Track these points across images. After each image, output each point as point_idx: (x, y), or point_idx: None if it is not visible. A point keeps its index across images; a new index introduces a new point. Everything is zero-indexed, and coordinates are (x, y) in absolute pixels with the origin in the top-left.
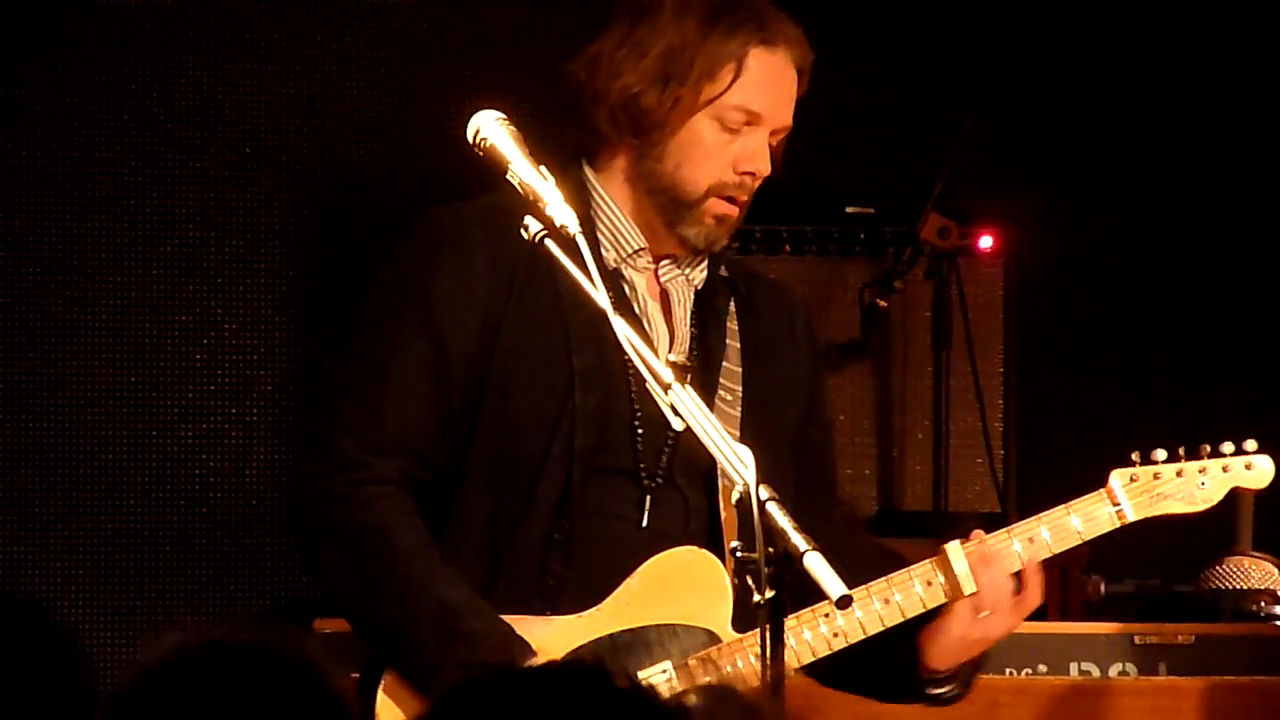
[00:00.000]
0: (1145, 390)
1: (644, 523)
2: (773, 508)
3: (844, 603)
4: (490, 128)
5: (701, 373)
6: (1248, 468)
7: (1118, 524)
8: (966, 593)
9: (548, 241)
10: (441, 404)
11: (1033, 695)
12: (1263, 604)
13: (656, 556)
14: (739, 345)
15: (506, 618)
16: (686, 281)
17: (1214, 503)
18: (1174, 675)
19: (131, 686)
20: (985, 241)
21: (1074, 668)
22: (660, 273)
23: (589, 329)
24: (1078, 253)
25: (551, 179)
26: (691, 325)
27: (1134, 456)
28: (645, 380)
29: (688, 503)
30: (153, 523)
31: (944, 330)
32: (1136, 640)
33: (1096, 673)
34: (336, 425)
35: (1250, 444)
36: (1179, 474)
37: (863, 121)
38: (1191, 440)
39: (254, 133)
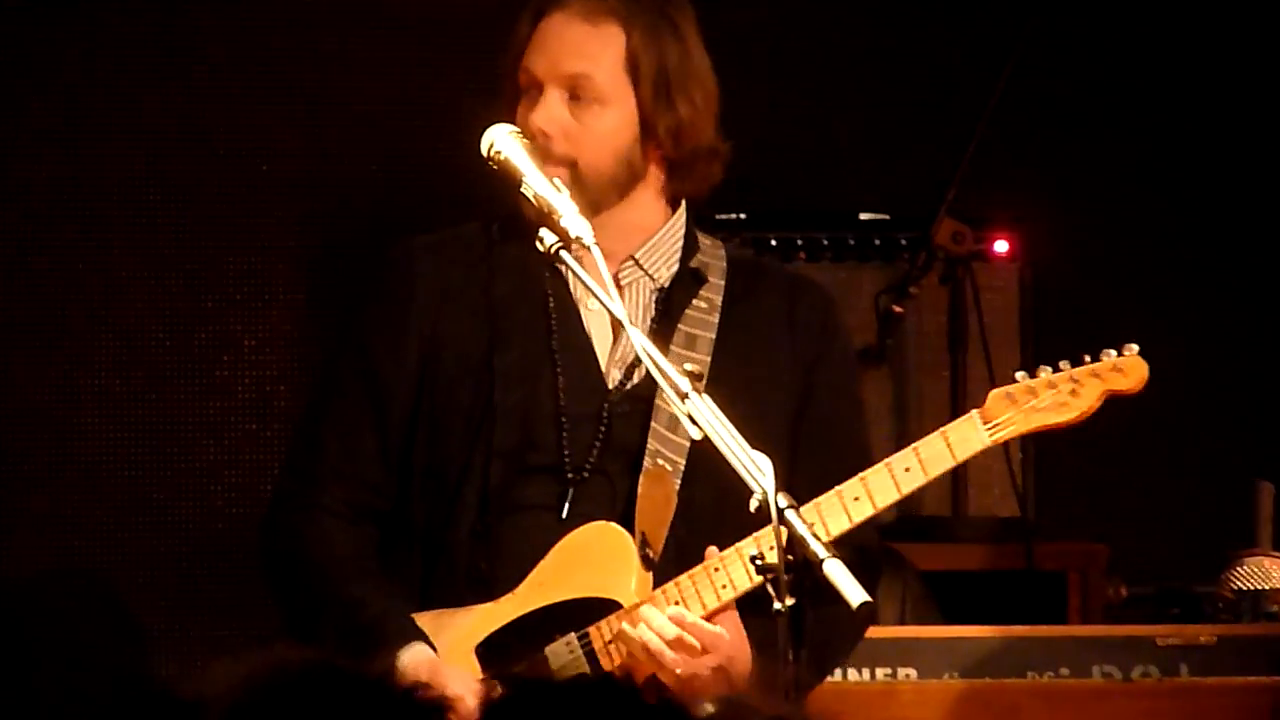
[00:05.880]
0: (1162, 390)
1: (563, 514)
2: (791, 515)
3: (865, 609)
4: (504, 141)
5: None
6: (1117, 369)
7: (988, 443)
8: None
9: (563, 253)
10: (387, 428)
11: (1055, 698)
12: None
13: (568, 535)
14: (712, 336)
15: (438, 612)
16: (651, 281)
17: (1086, 409)
18: (1196, 676)
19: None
20: (1000, 245)
21: (1096, 670)
22: (621, 275)
23: (515, 330)
24: (1092, 255)
25: (565, 191)
26: (653, 325)
27: (1016, 375)
28: (650, 387)
29: (615, 490)
30: (172, 539)
31: (960, 335)
32: (1158, 642)
33: (1119, 675)
34: (284, 468)
35: (1130, 348)
36: (1050, 385)
37: (876, 128)
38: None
39: (271, 150)
